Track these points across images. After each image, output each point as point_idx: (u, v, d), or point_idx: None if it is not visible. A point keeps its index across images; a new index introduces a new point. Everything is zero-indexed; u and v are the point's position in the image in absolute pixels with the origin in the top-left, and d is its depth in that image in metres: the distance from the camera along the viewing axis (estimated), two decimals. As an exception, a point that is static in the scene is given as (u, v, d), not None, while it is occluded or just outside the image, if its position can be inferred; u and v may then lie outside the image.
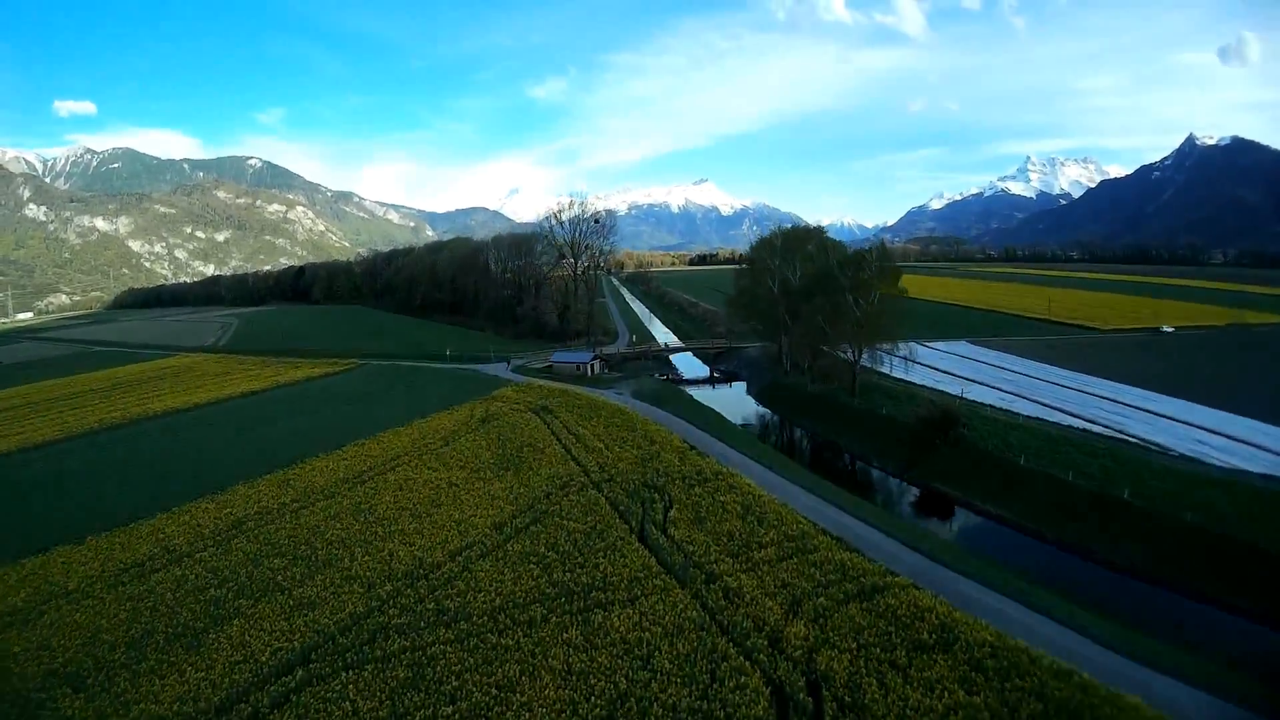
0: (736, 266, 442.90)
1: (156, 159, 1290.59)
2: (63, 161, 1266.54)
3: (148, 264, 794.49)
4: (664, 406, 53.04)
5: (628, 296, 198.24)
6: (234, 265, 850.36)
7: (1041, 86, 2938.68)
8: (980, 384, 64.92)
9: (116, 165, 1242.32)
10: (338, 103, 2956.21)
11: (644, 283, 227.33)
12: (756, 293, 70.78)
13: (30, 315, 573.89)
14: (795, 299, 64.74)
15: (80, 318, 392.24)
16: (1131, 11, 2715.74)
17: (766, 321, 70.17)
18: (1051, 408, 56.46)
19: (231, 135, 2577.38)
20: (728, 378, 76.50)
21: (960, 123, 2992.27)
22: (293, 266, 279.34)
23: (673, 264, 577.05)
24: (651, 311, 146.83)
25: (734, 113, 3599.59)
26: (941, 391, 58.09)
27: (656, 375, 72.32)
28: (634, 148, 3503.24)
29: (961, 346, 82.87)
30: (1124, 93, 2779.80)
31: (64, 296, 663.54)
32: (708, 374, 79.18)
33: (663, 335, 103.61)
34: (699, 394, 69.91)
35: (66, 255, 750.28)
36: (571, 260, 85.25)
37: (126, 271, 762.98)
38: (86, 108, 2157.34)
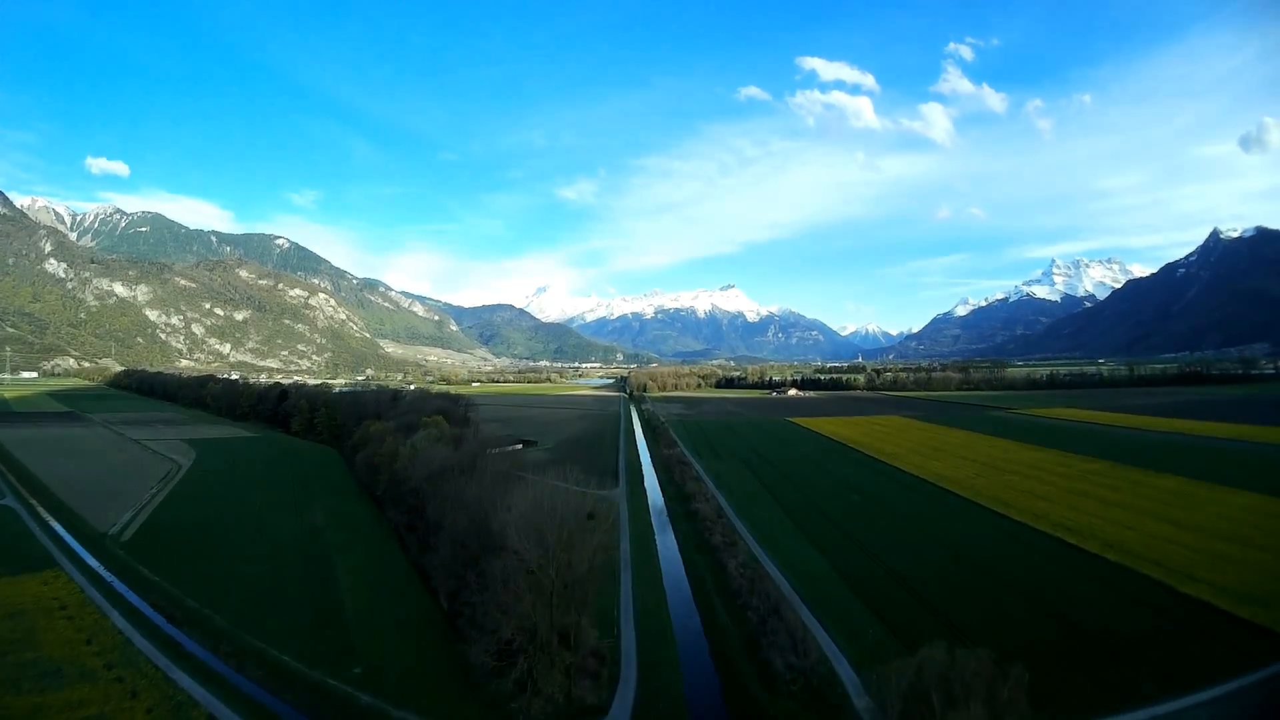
0: (767, 393, 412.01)
1: (185, 228, 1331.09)
2: (91, 218, 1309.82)
3: (163, 335, 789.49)
4: None
5: (646, 472, 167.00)
6: (250, 346, 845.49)
7: (1064, 189, 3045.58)
8: None
9: (145, 229, 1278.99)
10: (370, 190, 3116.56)
11: (668, 444, 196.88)
12: None
13: (35, 375, 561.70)
14: None
15: (66, 395, 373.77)
16: (1152, 107, 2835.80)
17: None
18: None
19: (263, 211, 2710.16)
20: None
21: (984, 228, 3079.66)
22: (279, 384, 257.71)
23: (698, 386, 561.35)
24: (677, 533, 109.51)
25: (762, 220, 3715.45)
26: None
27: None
28: (662, 252, 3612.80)
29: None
30: (1146, 190, 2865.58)
31: (71, 360, 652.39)
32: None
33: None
34: None
35: (82, 316, 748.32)
36: (552, 576, 54.79)
37: (140, 341, 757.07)
38: (119, 168, 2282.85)
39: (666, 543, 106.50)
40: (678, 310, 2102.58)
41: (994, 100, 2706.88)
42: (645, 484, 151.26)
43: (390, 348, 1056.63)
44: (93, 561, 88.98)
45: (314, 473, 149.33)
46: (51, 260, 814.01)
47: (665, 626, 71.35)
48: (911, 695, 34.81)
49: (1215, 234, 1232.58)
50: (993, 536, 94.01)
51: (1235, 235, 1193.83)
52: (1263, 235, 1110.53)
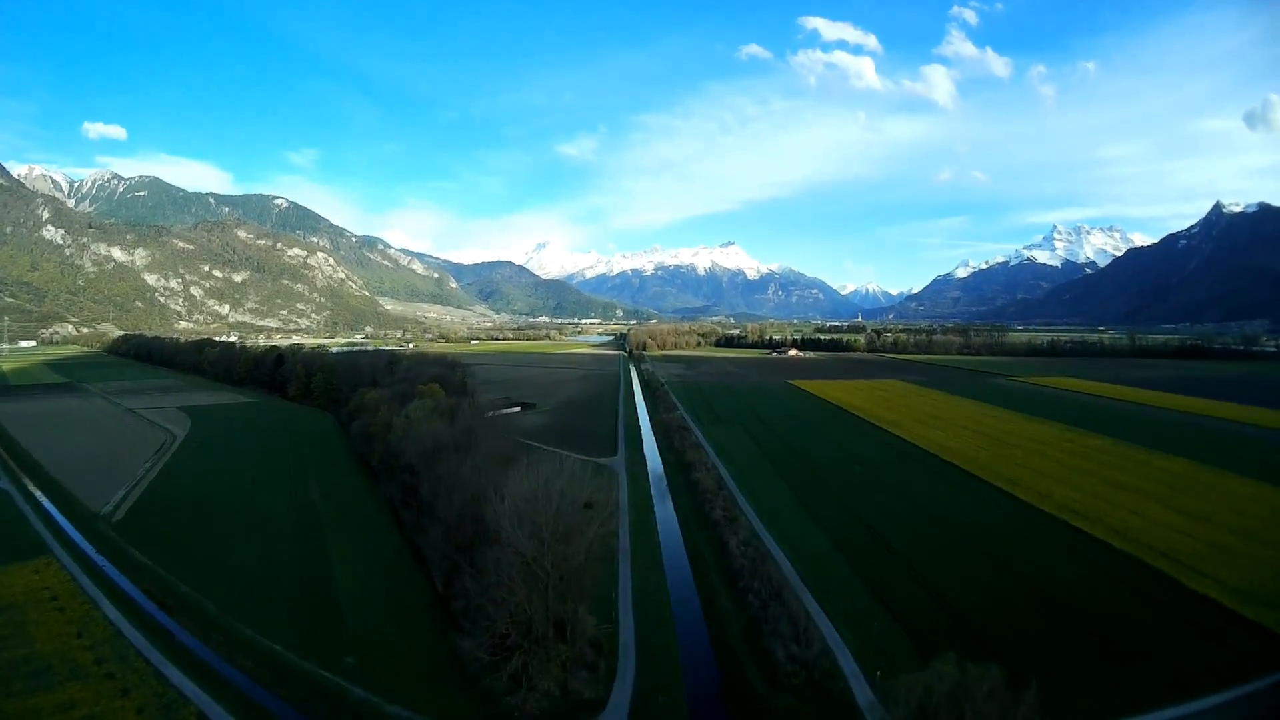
0: (767, 354, 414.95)
1: (183, 190, 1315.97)
2: (89, 184, 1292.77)
3: (162, 299, 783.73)
4: None
5: (645, 438, 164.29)
6: (249, 307, 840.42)
7: (1067, 155, 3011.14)
8: None
9: (143, 194, 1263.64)
10: (370, 149, 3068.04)
11: (667, 408, 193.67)
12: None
13: (33, 343, 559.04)
14: None
15: (63, 365, 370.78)
16: (1157, 79, 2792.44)
17: None
18: None
19: (263, 172, 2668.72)
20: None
21: (985, 192, 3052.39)
22: (275, 349, 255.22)
23: (698, 345, 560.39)
24: (677, 506, 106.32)
25: (762, 178, 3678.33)
26: None
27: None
28: (662, 210, 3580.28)
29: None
30: (1148, 161, 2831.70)
31: (70, 327, 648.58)
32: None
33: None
34: None
35: (80, 282, 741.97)
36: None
37: (139, 305, 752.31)
38: (116, 132, 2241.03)
39: (666, 514, 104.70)
40: (678, 267, 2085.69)
41: (997, 64, 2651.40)
42: (644, 451, 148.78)
43: (389, 306, 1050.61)
44: (85, 545, 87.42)
45: (309, 442, 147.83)
46: (49, 228, 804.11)
47: (664, 610, 69.63)
48: (921, 716, 33.07)
49: (1218, 207, 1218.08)
50: (997, 516, 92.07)
51: (1238, 210, 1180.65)
52: (1266, 212, 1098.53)
